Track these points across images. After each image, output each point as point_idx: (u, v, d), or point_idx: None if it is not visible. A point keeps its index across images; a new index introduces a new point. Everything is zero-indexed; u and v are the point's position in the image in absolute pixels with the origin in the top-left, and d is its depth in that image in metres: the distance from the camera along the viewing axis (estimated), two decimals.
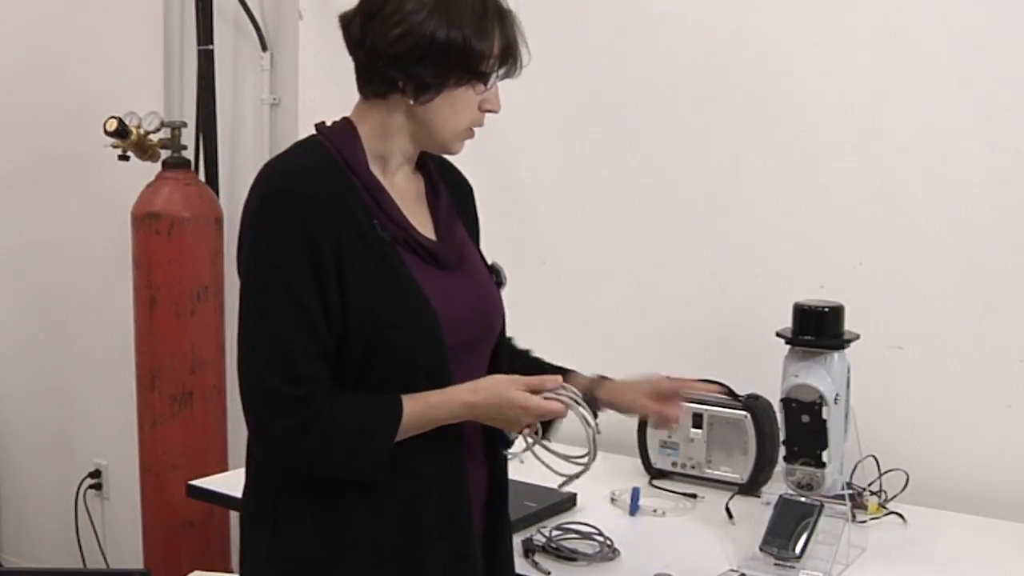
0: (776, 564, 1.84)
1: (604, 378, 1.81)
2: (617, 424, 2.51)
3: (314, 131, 1.63)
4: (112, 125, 2.89)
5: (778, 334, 2.00)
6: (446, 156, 1.70)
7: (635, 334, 2.60)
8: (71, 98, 3.52)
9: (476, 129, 1.66)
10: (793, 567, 1.83)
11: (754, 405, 2.24)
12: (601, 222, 2.64)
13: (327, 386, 1.51)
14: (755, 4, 2.42)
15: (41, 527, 3.83)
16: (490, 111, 1.64)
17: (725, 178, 2.48)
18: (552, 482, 1.71)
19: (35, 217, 3.70)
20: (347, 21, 1.59)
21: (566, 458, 1.66)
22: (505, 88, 2.84)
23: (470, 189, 1.82)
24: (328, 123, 1.63)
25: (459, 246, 1.69)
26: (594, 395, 1.75)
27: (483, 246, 1.84)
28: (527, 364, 1.81)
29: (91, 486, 3.62)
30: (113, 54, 3.42)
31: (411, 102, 1.57)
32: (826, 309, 1.98)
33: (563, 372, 1.76)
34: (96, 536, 3.61)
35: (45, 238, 3.69)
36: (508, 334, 1.80)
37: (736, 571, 1.85)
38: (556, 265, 2.71)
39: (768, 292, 2.37)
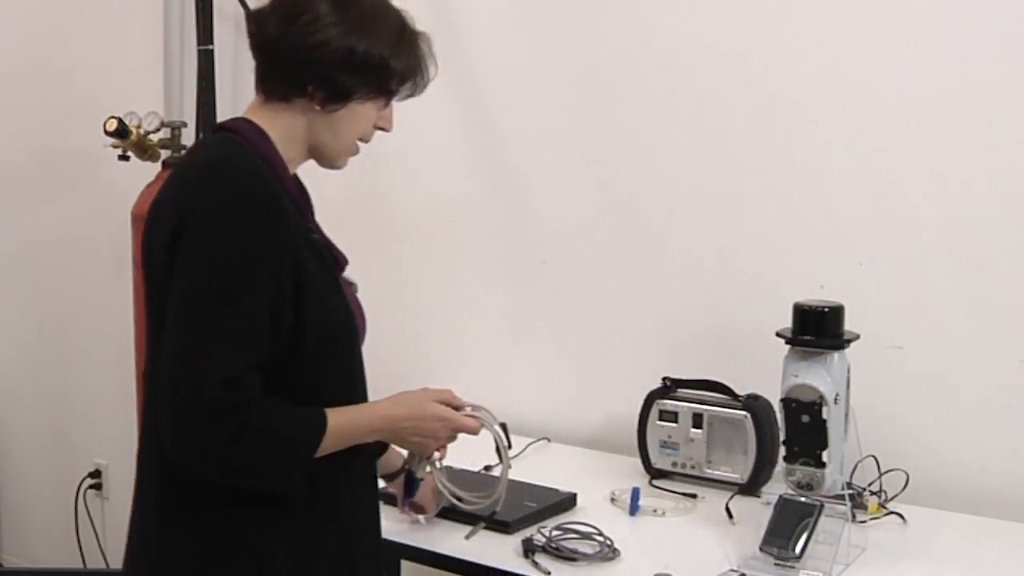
0: (776, 564, 1.84)
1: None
2: (617, 424, 2.53)
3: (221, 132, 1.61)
4: (112, 125, 2.89)
5: (778, 334, 2.00)
6: (331, 170, 1.69)
7: (635, 334, 2.60)
8: (71, 98, 3.52)
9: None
10: (793, 567, 1.83)
11: (754, 405, 2.24)
12: (601, 222, 2.64)
13: (259, 391, 1.48)
14: (755, 4, 2.42)
15: (41, 527, 3.83)
16: (382, 129, 1.66)
17: (725, 178, 2.48)
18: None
19: (35, 217, 3.70)
20: (261, 18, 1.59)
21: (468, 498, 1.83)
22: (507, 89, 2.87)
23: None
24: (228, 125, 1.60)
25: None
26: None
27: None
28: None
29: (91, 486, 3.62)
30: (113, 54, 3.42)
31: (317, 108, 1.57)
32: (826, 309, 1.98)
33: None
34: (96, 536, 3.61)
35: (45, 238, 3.69)
36: None
37: (736, 571, 1.85)
38: (556, 265, 2.71)
39: (768, 292, 2.37)
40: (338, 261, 1.66)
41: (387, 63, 1.57)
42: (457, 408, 1.69)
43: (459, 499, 1.84)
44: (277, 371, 1.50)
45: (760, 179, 2.43)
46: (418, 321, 2.90)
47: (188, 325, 1.46)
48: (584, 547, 1.94)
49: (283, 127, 1.59)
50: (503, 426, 1.78)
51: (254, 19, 1.60)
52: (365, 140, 1.66)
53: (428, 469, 1.81)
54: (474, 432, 1.72)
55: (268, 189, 1.50)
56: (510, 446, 1.83)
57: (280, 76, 1.58)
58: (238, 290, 1.46)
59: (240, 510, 1.53)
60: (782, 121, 2.40)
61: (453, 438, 1.72)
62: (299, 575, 1.56)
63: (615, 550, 1.93)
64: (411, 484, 1.86)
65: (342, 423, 1.54)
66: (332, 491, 1.59)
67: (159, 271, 1.51)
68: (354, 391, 1.61)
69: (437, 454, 1.76)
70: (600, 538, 1.96)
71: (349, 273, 1.74)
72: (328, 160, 1.66)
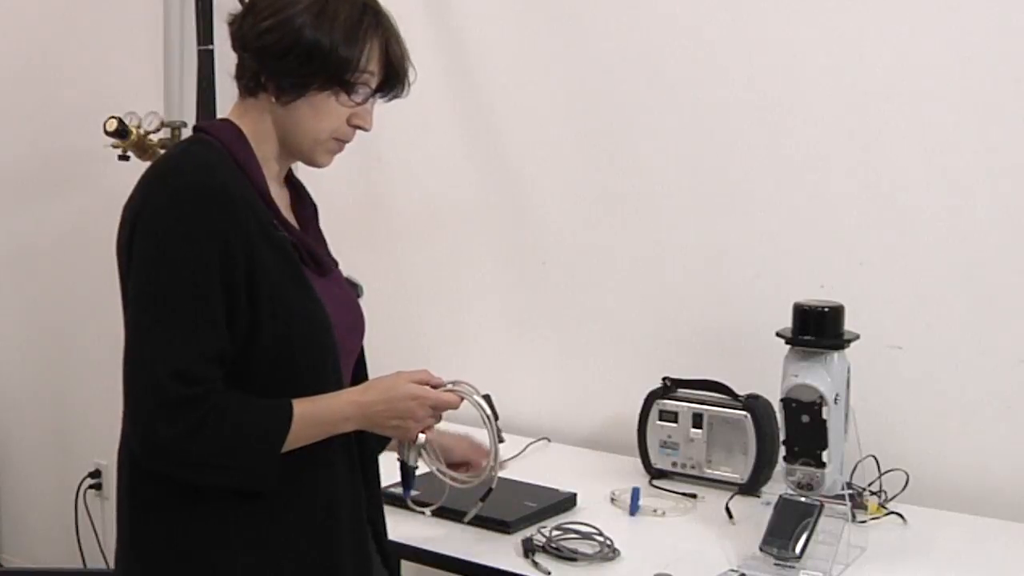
0: (776, 564, 1.84)
1: None
2: (617, 424, 2.53)
3: (196, 132, 1.62)
4: (112, 125, 2.89)
5: (778, 334, 2.00)
6: (313, 168, 1.68)
7: (635, 334, 2.60)
8: (71, 98, 3.52)
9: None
10: (793, 567, 1.83)
11: (754, 405, 2.24)
12: (601, 222, 2.64)
13: (219, 385, 1.48)
14: (755, 5, 2.42)
15: (41, 527, 3.83)
16: (359, 127, 1.63)
17: (725, 178, 2.48)
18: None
19: (35, 217, 3.70)
20: (235, 14, 1.60)
21: (463, 479, 1.76)
22: (506, 89, 2.87)
23: (316, 208, 1.79)
24: (203, 124, 1.62)
25: (328, 255, 1.70)
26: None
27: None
28: None
29: (91, 486, 3.62)
30: (113, 54, 3.42)
31: (273, 100, 1.57)
32: (826, 309, 1.98)
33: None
34: (96, 536, 3.60)
35: (45, 238, 3.69)
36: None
37: (736, 571, 1.85)
38: (556, 265, 2.71)
39: (768, 292, 2.37)
40: (319, 260, 1.63)
41: (337, 52, 1.54)
42: (435, 387, 1.64)
43: (452, 480, 1.78)
44: (240, 367, 1.50)
45: (760, 179, 2.43)
46: (418, 321, 2.90)
47: (138, 324, 1.48)
48: (584, 547, 1.94)
49: (254, 123, 1.60)
50: (486, 397, 1.71)
51: (229, 19, 1.62)
52: (343, 138, 1.63)
53: (420, 454, 1.73)
54: (454, 406, 1.65)
55: (212, 184, 1.49)
56: (497, 417, 1.74)
57: (242, 71, 1.60)
58: (182, 286, 1.46)
59: (203, 506, 1.52)
60: (782, 121, 2.40)
61: (436, 417, 1.66)
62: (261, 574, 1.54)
63: (615, 550, 1.93)
64: (407, 476, 1.75)
65: (310, 412, 1.53)
66: (309, 487, 1.57)
67: (123, 272, 1.54)
68: (321, 392, 1.57)
69: (423, 436, 1.66)
70: (600, 538, 1.96)
71: (353, 275, 1.73)
72: (303, 157, 1.64)
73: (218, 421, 1.46)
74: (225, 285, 1.47)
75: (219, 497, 1.52)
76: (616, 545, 1.94)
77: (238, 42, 1.59)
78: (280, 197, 1.64)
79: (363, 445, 1.69)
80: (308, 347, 1.55)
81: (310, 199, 1.76)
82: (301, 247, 1.59)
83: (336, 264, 1.72)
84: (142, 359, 1.47)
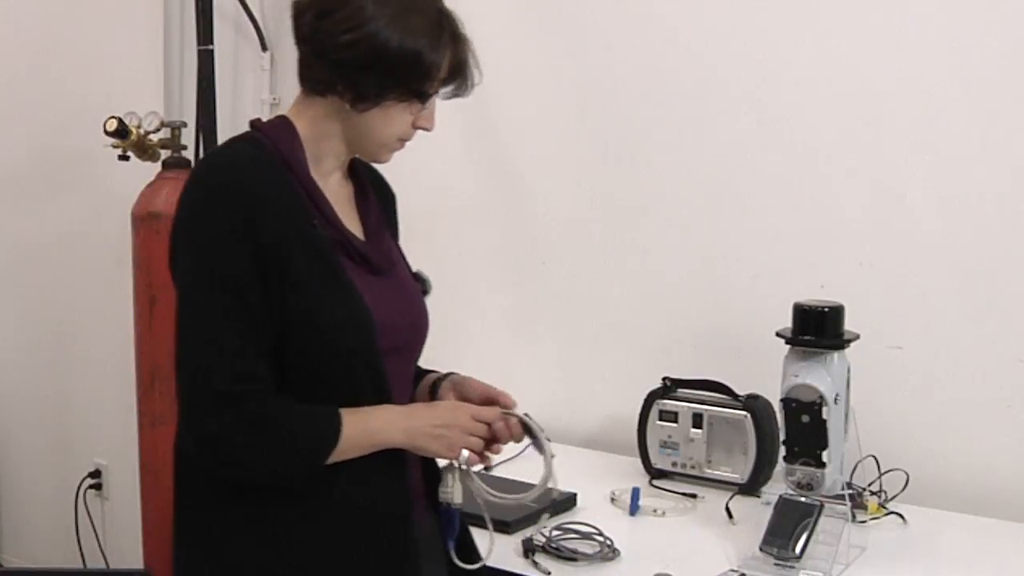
0: (776, 564, 1.84)
1: (448, 375, 1.77)
2: (617, 424, 2.53)
3: (251, 127, 1.61)
4: (112, 125, 2.89)
5: (778, 334, 2.00)
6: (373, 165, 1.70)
7: (635, 334, 2.61)
8: (71, 98, 3.52)
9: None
10: (793, 567, 1.83)
11: (754, 405, 2.24)
12: (601, 222, 2.64)
13: (269, 386, 1.48)
14: (756, 4, 2.42)
15: (41, 527, 3.83)
16: (423, 128, 1.63)
17: (725, 178, 2.48)
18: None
19: (35, 217, 3.70)
20: (299, 11, 1.56)
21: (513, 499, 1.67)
22: (508, 89, 2.87)
23: (394, 198, 1.81)
24: (264, 120, 1.61)
25: (388, 252, 1.68)
26: (440, 385, 1.73)
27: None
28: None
29: (91, 486, 3.62)
30: (113, 54, 3.42)
31: (347, 107, 1.56)
32: (826, 309, 1.98)
33: (419, 372, 1.77)
34: (96, 536, 3.60)
35: (45, 238, 3.69)
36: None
37: (736, 571, 1.85)
38: (556, 265, 2.71)
39: (768, 292, 2.37)
40: (368, 258, 1.60)
41: (422, 61, 1.53)
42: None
43: (502, 499, 1.68)
44: (276, 362, 1.50)
45: (760, 179, 2.43)
46: None
47: (184, 321, 1.51)
48: (584, 547, 1.94)
49: (314, 121, 1.59)
50: (526, 415, 1.66)
51: (293, 11, 1.57)
52: (405, 139, 1.63)
53: (456, 479, 1.63)
54: (496, 418, 1.61)
55: (241, 183, 1.49)
56: (542, 430, 1.66)
57: (312, 72, 1.56)
58: (225, 285, 1.46)
59: (242, 506, 1.53)
60: (782, 121, 2.40)
61: (482, 441, 1.60)
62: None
63: (615, 550, 1.93)
64: (449, 519, 1.66)
65: (355, 421, 1.51)
66: (345, 489, 1.55)
67: (171, 269, 1.56)
68: (357, 392, 1.55)
69: (466, 453, 1.59)
70: (600, 538, 1.96)
71: (423, 271, 1.73)
72: (368, 156, 1.65)
73: (268, 422, 1.47)
74: (262, 284, 1.47)
75: (257, 497, 1.52)
76: (616, 545, 1.94)
77: (309, 45, 1.55)
78: (338, 192, 1.63)
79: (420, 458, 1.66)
80: (339, 347, 1.53)
81: (386, 191, 1.76)
82: (348, 245, 1.58)
83: (396, 262, 1.70)
84: (189, 355, 1.49)
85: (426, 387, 1.74)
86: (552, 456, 1.66)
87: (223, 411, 1.45)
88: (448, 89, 1.61)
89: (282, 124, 1.59)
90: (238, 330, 1.46)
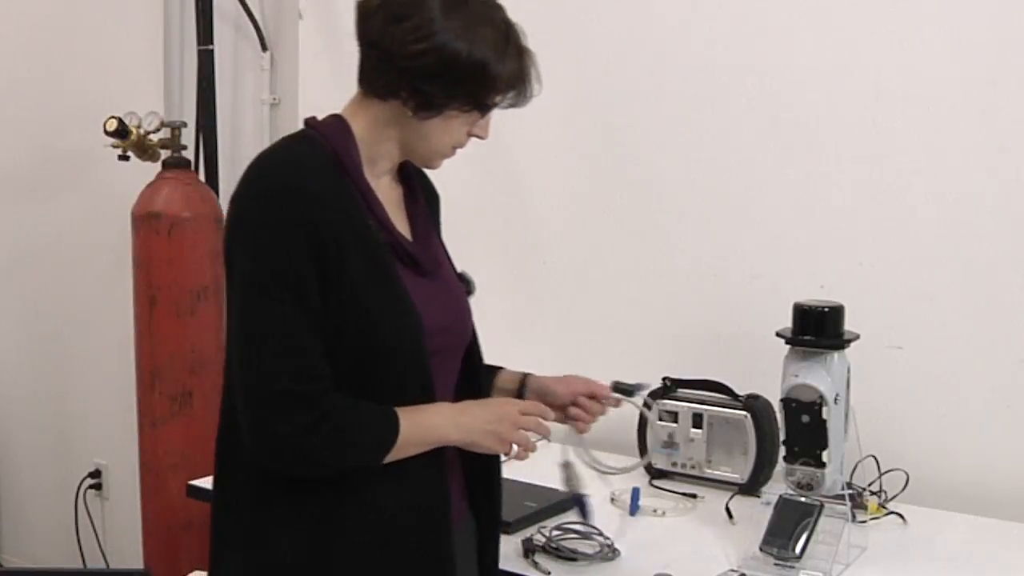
0: (776, 564, 1.84)
1: (530, 375, 1.86)
2: (617, 424, 2.52)
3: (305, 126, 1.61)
4: (112, 125, 2.89)
5: (778, 334, 2.00)
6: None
7: (635, 334, 2.60)
8: (71, 98, 3.52)
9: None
10: (793, 567, 1.83)
11: (754, 405, 2.24)
12: (601, 222, 2.64)
13: (332, 384, 1.50)
14: (756, 5, 2.42)
15: (41, 527, 3.83)
16: (478, 137, 1.64)
17: (725, 178, 2.48)
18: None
19: (35, 217, 3.70)
20: (366, 13, 1.55)
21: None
22: None
23: (439, 199, 1.82)
24: (319, 118, 1.60)
25: (435, 254, 1.69)
26: (524, 390, 1.82)
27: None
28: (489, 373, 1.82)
29: (91, 486, 3.62)
30: (113, 54, 3.42)
31: (409, 113, 1.55)
32: (826, 309, 1.98)
33: (492, 369, 1.82)
34: (96, 536, 3.61)
35: (45, 238, 3.69)
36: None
37: (736, 571, 1.85)
38: (556, 265, 2.71)
39: (768, 292, 2.37)
40: (418, 261, 1.61)
41: (489, 73, 1.53)
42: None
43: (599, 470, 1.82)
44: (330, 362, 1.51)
45: (760, 179, 2.43)
46: None
47: (244, 322, 1.50)
48: (584, 547, 1.94)
49: (374, 124, 1.58)
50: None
51: (359, 13, 1.56)
52: (459, 147, 1.64)
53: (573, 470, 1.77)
54: (542, 413, 1.66)
55: (296, 183, 1.49)
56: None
57: (376, 75, 1.55)
58: (281, 283, 1.47)
59: (275, 508, 1.55)
60: (782, 121, 2.40)
61: (528, 435, 1.62)
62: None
63: (615, 550, 1.93)
64: (582, 506, 1.79)
65: (411, 419, 1.53)
66: (384, 488, 1.56)
67: (227, 268, 1.56)
68: (402, 391, 1.56)
69: (516, 448, 1.61)
70: (600, 538, 1.96)
71: (467, 272, 1.74)
72: (419, 161, 1.66)
73: (335, 422, 1.48)
74: (320, 284, 1.48)
75: (297, 496, 1.53)
76: (616, 545, 1.94)
77: (376, 49, 1.54)
78: (389, 193, 1.63)
79: (468, 457, 1.68)
80: (388, 347, 1.53)
81: (431, 192, 1.77)
82: (398, 247, 1.58)
83: (442, 264, 1.70)
84: (252, 358, 1.48)
85: (508, 387, 1.83)
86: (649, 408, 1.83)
87: (293, 412, 1.46)
88: (508, 99, 1.61)
89: (338, 124, 1.58)
90: (300, 330, 1.47)
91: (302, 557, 1.54)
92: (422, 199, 1.71)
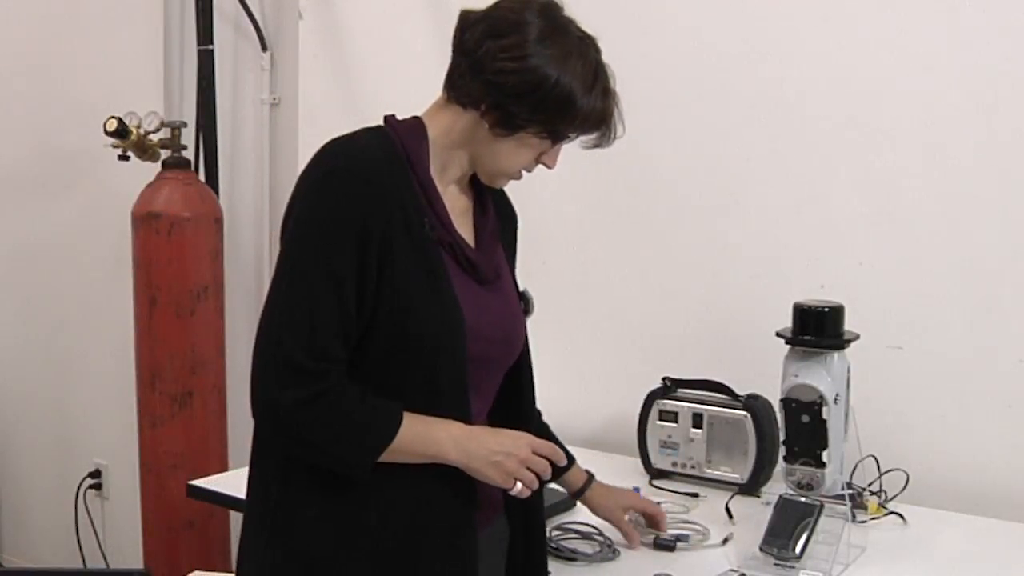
0: (776, 564, 1.84)
1: (592, 477, 1.98)
2: (617, 424, 2.53)
3: (382, 122, 1.61)
4: (112, 125, 2.89)
5: (778, 334, 2.00)
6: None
7: (636, 334, 2.61)
8: (71, 98, 3.52)
9: None
10: (793, 567, 1.83)
11: (754, 405, 2.24)
12: (602, 222, 2.64)
13: (342, 369, 1.50)
14: (756, 6, 2.42)
15: (41, 527, 3.83)
16: (546, 165, 1.66)
17: (725, 178, 2.48)
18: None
19: (35, 217, 3.71)
20: (468, 22, 1.57)
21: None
22: None
23: (515, 219, 1.82)
24: (389, 118, 1.61)
25: (496, 264, 1.68)
26: (582, 493, 1.96)
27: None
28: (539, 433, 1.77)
29: (91, 486, 3.63)
30: (113, 54, 3.42)
31: (486, 127, 1.57)
32: (826, 309, 1.98)
33: (569, 459, 1.89)
34: (96, 536, 3.61)
35: (45, 238, 3.69)
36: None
37: (736, 571, 1.85)
38: (557, 265, 2.71)
39: (768, 292, 2.37)
40: (476, 266, 1.61)
41: (573, 104, 1.55)
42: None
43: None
44: (355, 355, 1.51)
45: (760, 179, 2.43)
46: None
47: (273, 291, 1.51)
48: (584, 547, 1.94)
49: (448, 129, 1.60)
50: None
51: (461, 20, 1.59)
52: (526, 171, 1.65)
53: None
54: (548, 452, 1.62)
55: (358, 171, 1.50)
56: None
57: (463, 84, 1.57)
58: (320, 265, 1.48)
59: (296, 492, 1.56)
60: (782, 121, 2.40)
61: (535, 476, 1.60)
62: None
63: (615, 550, 1.93)
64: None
65: (415, 425, 1.52)
66: (402, 483, 1.56)
67: (281, 238, 1.57)
68: (435, 394, 1.55)
69: (519, 486, 1.59)
70: (600, 538, 1.96)
71: (529, 290, 1.75)
72: (484, 177, 1.66)
73: (332, 403, 1.49)
74: (358, 270, 1.48)
75: (328, 489, 1.53)
76: (616, 545, 1.94)
77: (469, 59, 1.55)
78: (456, 201, 1.63)
79: None
80: (426, 345, 1.53)
81: (508, 211, 1.78)
82: (456, 247, 1.58)
83: (502, 276, 1.70)
84: (270, 323, 1.50)
85: (574, 483, 1.96)
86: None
87: (292, 384, 1.47)
88: (591, 139, 1.63)
89: (414, 124, 1.60)
90: (325, 309, 1.48)
91: (328, 551, 1.54)
92: (492, 213, 1.70)
